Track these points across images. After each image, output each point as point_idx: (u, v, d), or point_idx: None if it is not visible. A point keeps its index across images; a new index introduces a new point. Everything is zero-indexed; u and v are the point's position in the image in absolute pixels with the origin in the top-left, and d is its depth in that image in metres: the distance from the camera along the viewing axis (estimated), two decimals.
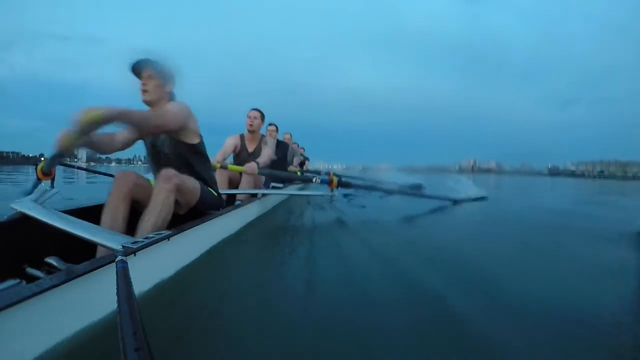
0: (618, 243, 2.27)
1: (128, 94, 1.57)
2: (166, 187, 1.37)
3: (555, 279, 1.51)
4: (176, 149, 1.60)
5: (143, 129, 1.36)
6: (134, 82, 1.52)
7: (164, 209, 1.36)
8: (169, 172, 1.41)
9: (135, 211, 1.43)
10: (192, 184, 1.56)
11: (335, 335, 0.98)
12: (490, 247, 2.14)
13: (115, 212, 1.36)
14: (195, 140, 1.66)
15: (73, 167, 4.01)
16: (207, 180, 1.74)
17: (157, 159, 1.63)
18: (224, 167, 2.65)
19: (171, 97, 1.61)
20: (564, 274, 1.60)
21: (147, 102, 1.53)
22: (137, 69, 1.51)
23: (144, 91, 1.50)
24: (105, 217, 1.35)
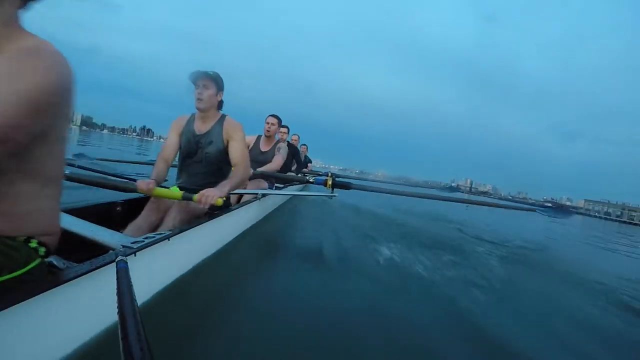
0: None
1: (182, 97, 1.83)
2: (179, 218, 1.56)
3: None
4: (220, 153, 1.79)
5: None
6: (189, 87, 1.75)
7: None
8: (181, 204, 1.58)
9: (136, 210, 1.48)
10: (201, 208, 1.67)
11: (334, 336, 1.01)
12: None
13: (137, 233, 1.47)
14: None
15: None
16: None
17: (196, 154, 1.80)
18: None
19: (220, 105, 1.84)
20: None
21: (201, 109, 1.75)
22: (194, 78, 1.73)
23: (199, 99, 1.71)
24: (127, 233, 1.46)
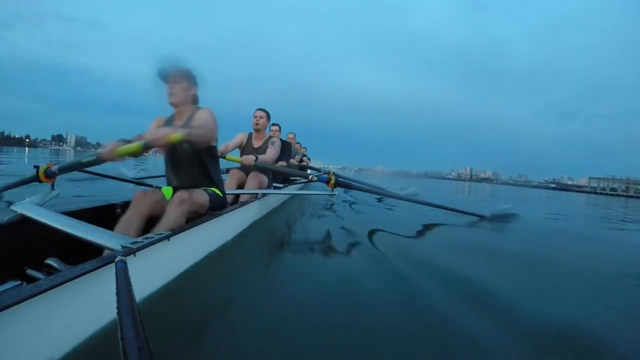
0: None
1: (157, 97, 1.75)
2: (180, 210, 1.48)
3: None
4: (195, 147, 1.69)
5: (197, 142, 1.54)
6: (161, 86, 1.70)
7: (174, 228, 1.43)
8: (183, 195, 1.52)
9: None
10: (203, 199, 1.66)
11: (332, 336, 1.00)
12: None
13: (128, 227, 1.44)
14: (213, 144, 1.80)
15: (88, 172, 3.05)
16: (215, 180, 1.84)
17: (175, 155, 1.74)
18: (222, 157, 2.73)
19: (195, 100, 1.79)
20: None
21: (173, 104, 1.71)
22: (163, 74, 1.68)
23: (171, 94, 1.68)
24: (118, 229, 1.42)
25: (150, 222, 1.50)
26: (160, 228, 1.41)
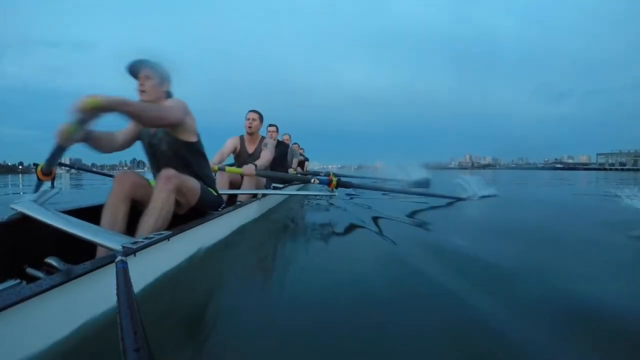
0: None
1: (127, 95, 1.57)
2: (166, 188, 1.42)
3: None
4: (174, 147, 1.65)
5: (142, 120, 1.35)
6: (131, 83, 1.60)
7: (164, 209, 1.41)
8: (169, 172, 1.46)
9: (135, 211, 1.48)
10: (193, 183, 1.61)
11: (332, 336, 1.00)
12: None
13: (115, 213, 1.40)
14: (193, 139, 1.70)
15: (73, 167, 4.13)
16: (205, 179, 1.79)
17: (155, 158, 1.70)
18: (221, 169, 2.72)
19: (168, 96, 1.69)
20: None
21: (144, 102, 1.59)
22: (133, 69, 1.58)
23: (142, 91, 1.58)
24: (105, 217, 1.39)
25: (134, 209, 1.47)
26: (150, 211, 1.39)
